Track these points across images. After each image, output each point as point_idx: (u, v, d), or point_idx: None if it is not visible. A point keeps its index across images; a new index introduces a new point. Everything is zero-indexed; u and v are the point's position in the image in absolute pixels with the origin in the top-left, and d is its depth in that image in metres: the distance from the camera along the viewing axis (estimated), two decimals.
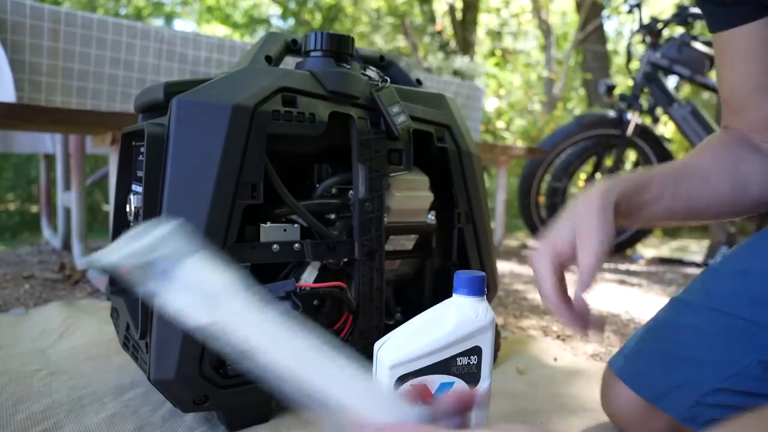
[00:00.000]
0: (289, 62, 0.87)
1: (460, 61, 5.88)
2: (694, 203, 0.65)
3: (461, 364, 0.55)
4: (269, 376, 0.36)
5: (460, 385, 0.56)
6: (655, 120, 2.57)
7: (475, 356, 0.56)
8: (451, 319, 0.56)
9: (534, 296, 1.68)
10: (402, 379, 0.54)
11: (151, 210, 0.67)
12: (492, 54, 8.33)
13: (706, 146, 0.71)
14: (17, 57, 1.60)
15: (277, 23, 8.88)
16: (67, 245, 2.10)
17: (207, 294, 0.36)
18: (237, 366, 0.70)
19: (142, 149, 0.71)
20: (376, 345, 0.57)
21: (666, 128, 4.39)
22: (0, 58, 1.56)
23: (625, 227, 0.66)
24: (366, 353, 0.81)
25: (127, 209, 0.80)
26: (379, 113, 0.79)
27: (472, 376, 0.56)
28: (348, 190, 0.81)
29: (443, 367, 0.55)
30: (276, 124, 0.71)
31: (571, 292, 0.57)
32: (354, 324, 0.81)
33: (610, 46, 7.02)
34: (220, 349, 0.36)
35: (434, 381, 0.55)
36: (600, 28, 6.01)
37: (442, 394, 0.53)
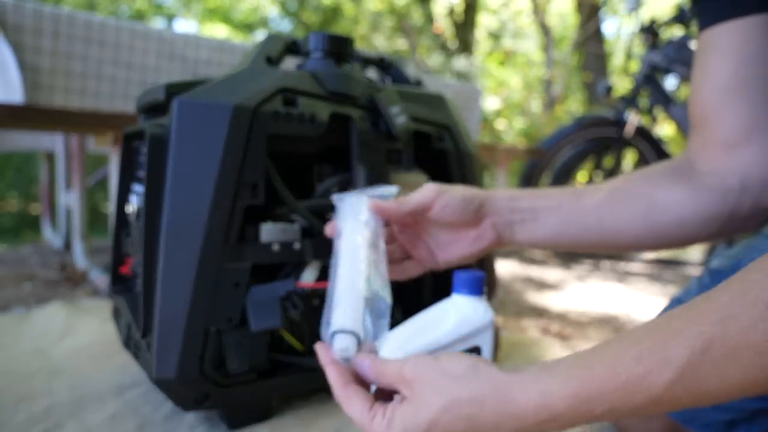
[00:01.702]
0: (290, 63, 0.88)
1: (460, 62, 5.89)
2: (603, 218, 0.61)
3: None
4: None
5: None
6: (654, 121, 2.58)
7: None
8: (451, 319, 0.56)
9: (534, 296, 1.68)
10: None
11: (152, 210, 0.67)
12: (491, 54, 8.34)
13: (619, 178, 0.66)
14: (18, 58, 1.61)
15: (277, 24, 8.88)
16: (68, 245, 2.11)
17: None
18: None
19: (144, 150, 0.72)
20: (376, 345, 0.58)
21: (665, 129, 4.39)
22: (8, 59, 1.57)
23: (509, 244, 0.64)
24: None
25: (128, 209, 0.81)
26: (379, 114, 0.80)
27: None
28: (348, 190, 0.81)
29: None
30: (276, 124, 0.71)
31: None
32: None
33: (608, 48, 7.03)
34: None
35: None
36: (599, 29, 6.02)
37: None
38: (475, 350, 0.56)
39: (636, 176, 0.65)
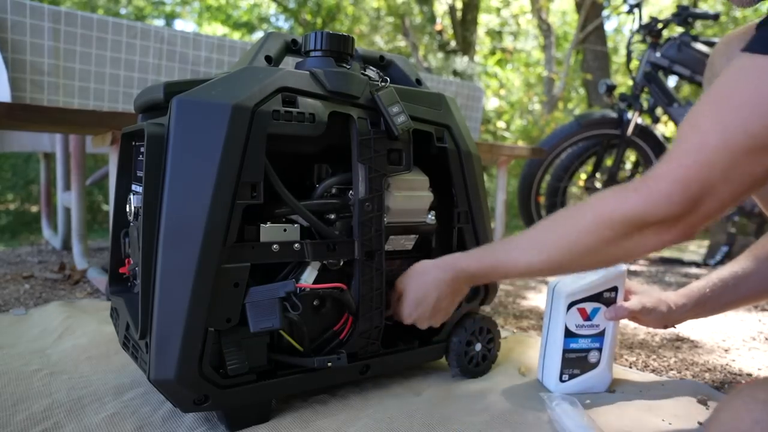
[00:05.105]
0: (289, 62, 0.87)
1: (460, 62, 5.89)
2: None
3: (606, 297, 0.88)
4: None
5: (603, 308, 0.88)
6: (655, 120, 2.57)
7: (614, 292, 0.88)
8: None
9: (533, 296, 1.68)
10: (571, 305, 0.87)
11: (150, 210, 0.67)
12: (492, 53, 8.33)
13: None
14: (18, 56, 1.61)
15: (276, 23, 8.87)
16: (67, 245, 2.10)
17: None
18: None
19: (142, 149, 0.71)
20: (551, 282, 0.91)
21: (666, 128, 4.39)
22: None
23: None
24: (366, 353, 0.81)
25: (127, 209, 0.80)
26: (379, 113, 0.79)
27: (611, 304, 0.89)
28: (348, 190, 0.81)
29: (596, 297, 0.88)
30: (276, 124, 0.71)
31: None
32: (354, 324, 0.81)
33: (610, 46, 7.02)
34: None
35: (590, 306, 0.88)
36: (600, 28, 6.01)
37: (595, 315, 0.88)
38: (614, 289, 0.88)
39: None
